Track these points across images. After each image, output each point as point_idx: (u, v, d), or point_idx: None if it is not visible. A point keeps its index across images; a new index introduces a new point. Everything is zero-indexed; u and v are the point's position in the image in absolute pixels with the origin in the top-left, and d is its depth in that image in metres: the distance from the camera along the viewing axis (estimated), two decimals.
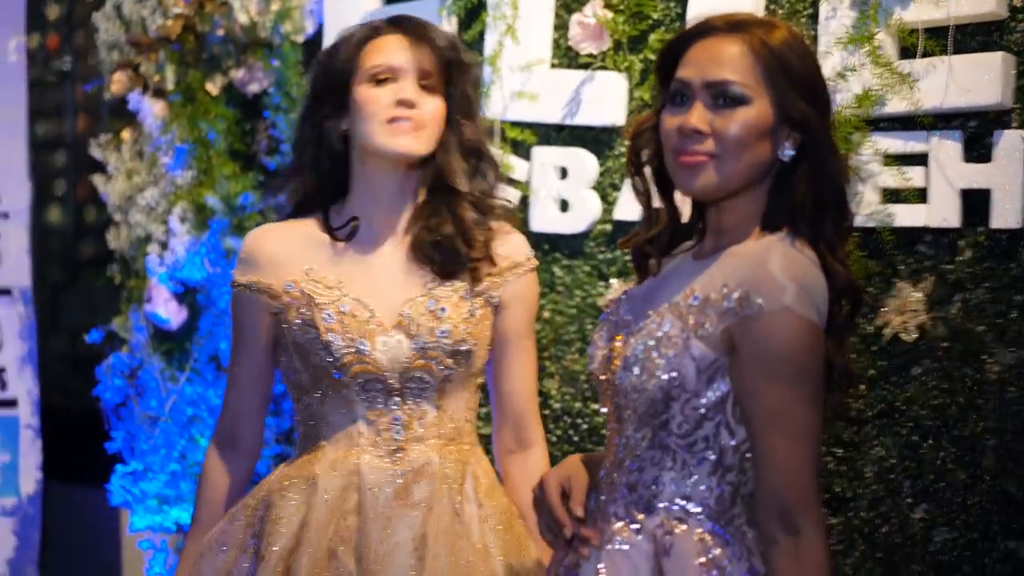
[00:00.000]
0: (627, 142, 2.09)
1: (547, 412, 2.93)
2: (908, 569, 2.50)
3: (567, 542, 2.01)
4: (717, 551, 1.89)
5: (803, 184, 1.93)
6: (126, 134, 3.74)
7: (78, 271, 5.13)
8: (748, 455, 1.91)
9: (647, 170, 2.05)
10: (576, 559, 1.98)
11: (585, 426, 2.93)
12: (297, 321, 2.32)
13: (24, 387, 3.95)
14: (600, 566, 1.94)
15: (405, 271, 2.35)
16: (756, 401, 1.86)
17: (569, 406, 2.95)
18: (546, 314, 2.97)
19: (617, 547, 1.93)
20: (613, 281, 2.90)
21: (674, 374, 1.89)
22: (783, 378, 1.84)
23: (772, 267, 1.85)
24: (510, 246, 2.40)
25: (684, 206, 2.07)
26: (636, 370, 1.92)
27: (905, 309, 2.51)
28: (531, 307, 2.45)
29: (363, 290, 2.33)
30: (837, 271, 1.91)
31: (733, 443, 1.91)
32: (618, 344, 2.00)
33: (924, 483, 2.49)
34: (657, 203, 2.06)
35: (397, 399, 2.31)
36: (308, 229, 2.40)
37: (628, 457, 1.97)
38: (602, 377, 2.03)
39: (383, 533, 2.27)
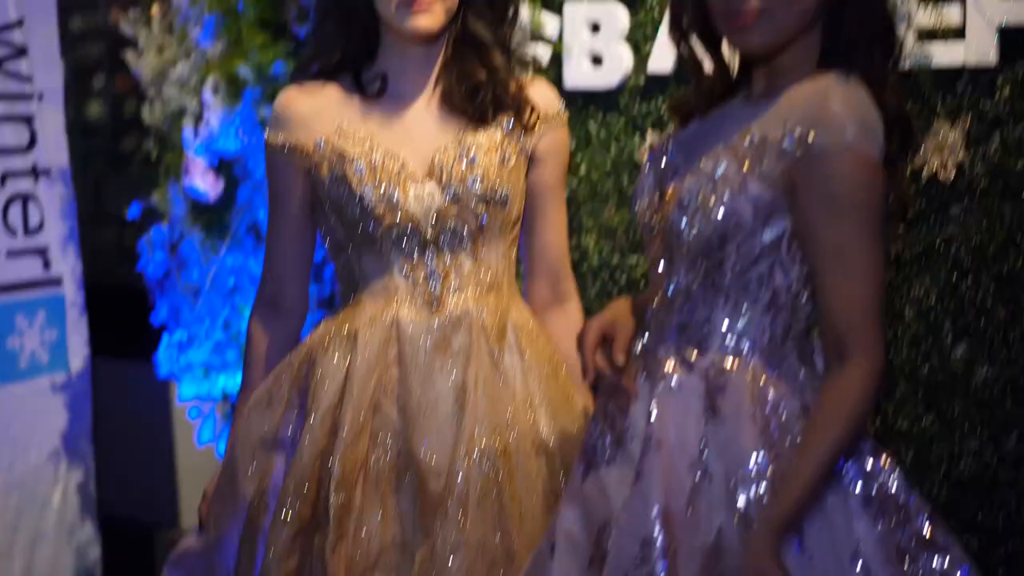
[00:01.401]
0: None
1: (585, 268, 2.95)
2: (950, 406, 2.52)
3: (611, 389, 2.03)
4: (770, 389, 1.90)
5: (853, 20, 1.91)
6: (155, 9, 3.73)
7: (116, 147, 5.16)
8: (801, 296, 1.92)
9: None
10: (624, 403, 1.99)
11: (623, 279, 2.94)
12: (329, 176, 2.33)
13: (68, 266, 3.99)
14: (652, 408, 1.95)
15: (436, 121, 2.35)
16: (820, 240, 1.86)
17: (607, 260, 2.96)
18: (582, 170, 2.97)
19: (668, 387, 1.94)
20: (649, 134, 2.89)
21: (730, 214, 1.90)
22: (847, 216, 1.84)
23: (832, 105, 1.85)
24: (542, 97, 2.40)
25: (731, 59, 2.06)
26: (691, 210, 1.92)
27: (944, 149, 2.50)
28: (564, 160, 2.45)
29: (394, 142, 2.33)
30: (889, 104, 1.90)
31: (787, 283, 1.92)
32: (669, 186, 2.00)
33: (964, 321, 2.50)
34: (708, 67, 2.05)
35: (432, 250, 2.33)
36: (337, 88, 2.39)
37: (679, 298, 1.98)
38: (650, 219, 2.03)
39: (424, 384, 2.30)
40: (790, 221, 1.89)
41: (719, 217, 1.90)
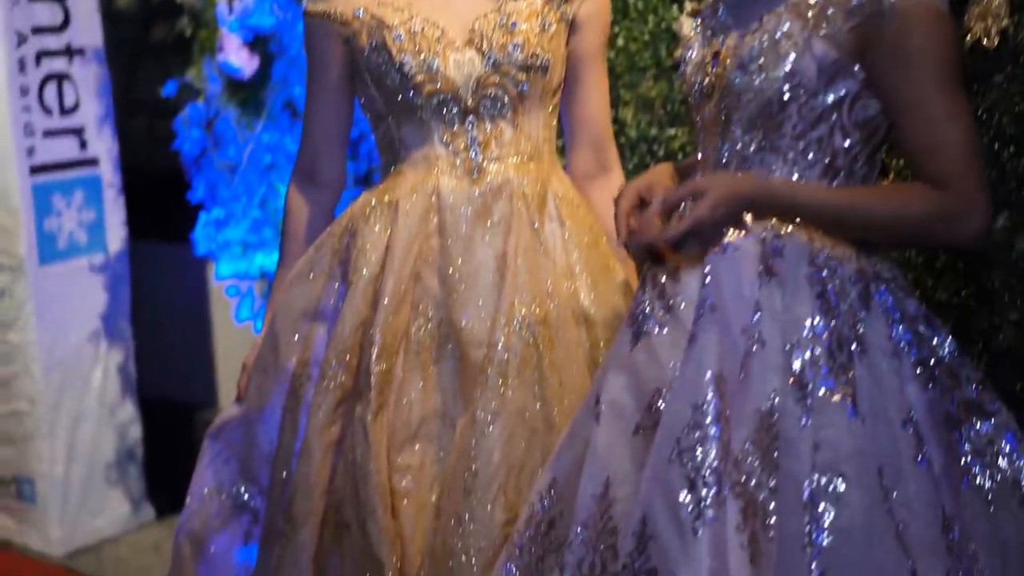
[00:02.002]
0: None
1: (623, 140, 2.93)
2: (990, 276, 2.51)
3: (646, 253, 2.00)
4: (826, 252, 1.89)
5: None
6: None
7: (147, 34, 5.13)
8: (858, 159, 1.91)
9: None
10: (673, 268, 1.96)
11: (661, 152, 2.93)
12: (368, 45, 2.31)
13: (104, 146, 3.99)
14: (706, 271, 1.92)
15: None
16: (903, 97, 1.85)
17: (645, 133, 2.94)
18: (620, 42, 2.94)
19: (723, 250, 1.91)
20: (687, 4, 2.85)
21: (794, 74, 1.87)
22: (927, 69, 1.82)
23: None
24: None
25: None
26: (752, 70, 1.90)
27: (987, 15, 2.46)
28: (605, 27, 2.42)
29: (433, 9, 2.31)
30: None
31: (846, 145, 1.90)
32: (722, 46, 1.97)
33: (1006, 191, 2.47)
34: None
35: (472, 118, 2.31)
36: None
37: (734, 160, 1.95)
38: (702, 80, 2.00)
39: (465, 253, 2.30)
40: (853, 83, 1.87)
41: (782, 76, 1.88)
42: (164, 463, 4.23)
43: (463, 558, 2.22)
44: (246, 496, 2.48)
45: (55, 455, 3.99)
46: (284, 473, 2.34)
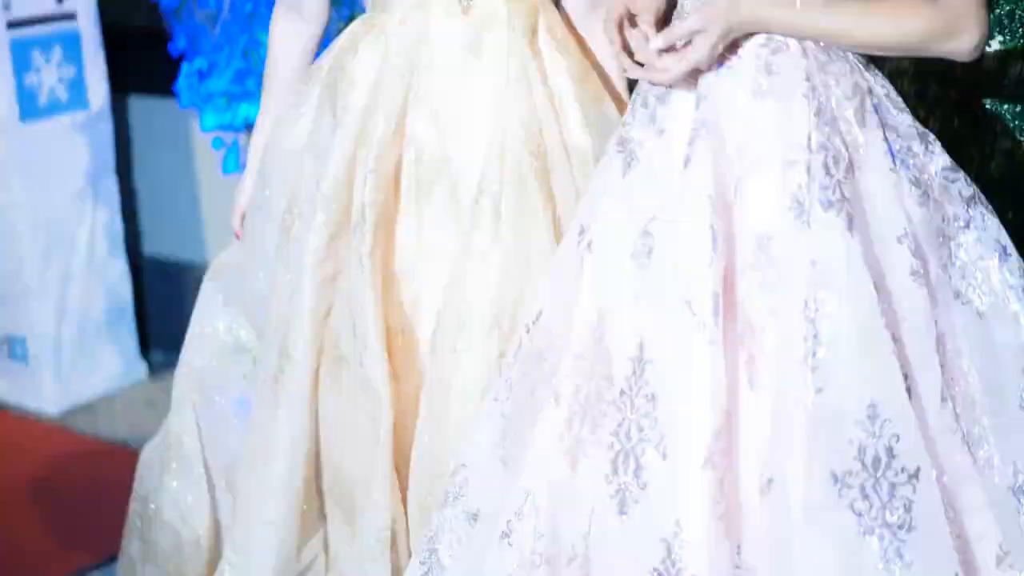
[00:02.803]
0: None
1: None
2: (983, 105, 2.50)
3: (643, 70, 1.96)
4: (825, 68, 1.87)
5: None
6: None
7: None
8: None
9: None
10: (663, 89, 1.94)
11: None
12: None
13: (81, 0, 3.94)
14: (699, 90, 1.89)
15: None
16: None
17: None
18: None
19: (717, 69, 1.89)
20: None
21: None
22: None
23: None
24: None
25: None
26: None
27: None
28: None
29: None
30: None
31: None
32: None
33: (998, 15, 2.45)
34: None
35: None
36: None
37: None
38: None
39: (456, 86, 2.28)
40: None
41: None
42: (156, 320, 4.24)
43: (458, 390, 2.23)
44: (244, 338, 2.49)
45: (45, 314, 4.00)
46: (280, 311, 2.35)
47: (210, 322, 2.51)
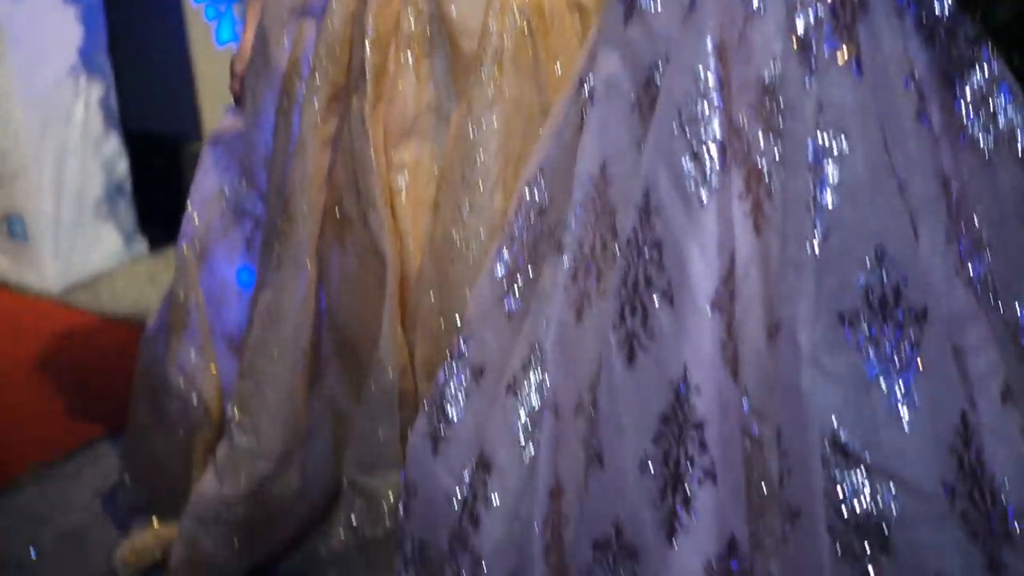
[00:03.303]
0: None
1: None
2: None
3: None
4: None
5: None
6: None
7: None
8: None
9: None
10: None
11: None
12: None
13: None
14: None
15: None
16: None
17: None
18: None
19: None
20: None
21: None
22: None
23: None
24: None
25: None
26: None
27: None
28: None
29: None
30: None
31: None
32: None
33: None
34: None
35: None
36: None
37: None
38: None
39: None
40: None
41: None
42: (153, 196, 4.22)
43: (463, 247, 2.23)
44: (247, 202, 2.48)
45: (43, 192, 3.97)
46: (281, 173, 2.34)
47: (211, 186, 2.50)
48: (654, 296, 1.81)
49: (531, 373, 1.98)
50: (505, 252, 2.06)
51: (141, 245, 4.19)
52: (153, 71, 4.18)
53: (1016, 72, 2.36)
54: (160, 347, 2.60)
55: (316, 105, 2.28)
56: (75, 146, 4.01)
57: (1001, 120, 1.89)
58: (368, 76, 2.23)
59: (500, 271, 2.06)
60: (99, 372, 3.44)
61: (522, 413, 1.98)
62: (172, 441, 2.58)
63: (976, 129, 1.88)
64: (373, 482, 2.30)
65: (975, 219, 1.86)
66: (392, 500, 2.28)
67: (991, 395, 1.79)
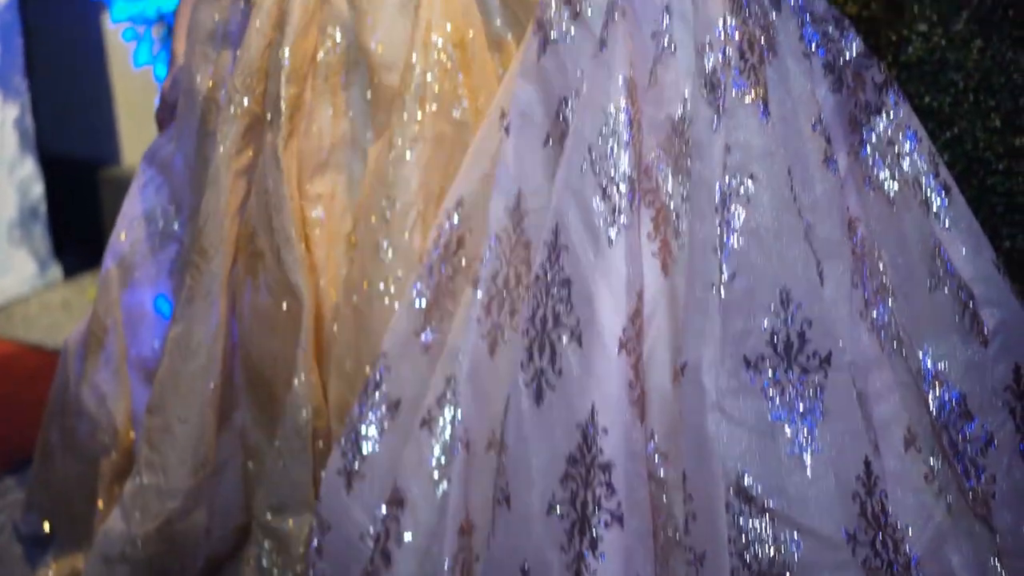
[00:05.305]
0: None
1: None
2: None
3: None
4: None
5: None
6: None
7: None
8: None
9: None
10: None
11: None
12: None
13: None
14: None
15: None
16: None
17: None
18: None
19: None
20: None
21: None
22: None
23: None
24: None
25: None
26: None
27: None
28: None
29: None
30: None
31: None
32: None
33: None
34: None
35: None
36: None
37: None
38: None
39: None
40: None
41: None
42: (70, 221, 4.16)
43: (380, 286, 2.22)
44: (175, 225, 2.45)
45: None
46: (197, 203, 2.31)
47: (143, 205, 2.46)
48: (562, 335, 1.80)
49: (445, 408, 1.98)
50: (422, 284, 2.05)
51: (56, 272, 4.12)
52: (71, 93, 4.13)
53: (927, 110, 2.40)
54: (77, 365, 2.55)
55: (231, 136, 2.25)
56: None
57: (906, 165, 1.91)
58: (283, 109, 2.21)
59: (418, 303, 2.05)
60: (9, 400, 3.38)
61: (436, 448, 1.98)
62: (79, 463, 2.53)
63: (882, 174, 1.90)
64: (285, 525, 2.28)
65: (880, 264, 1.87)
66: (305, 543, 2.25)
67: (895, 442, 1.80)
